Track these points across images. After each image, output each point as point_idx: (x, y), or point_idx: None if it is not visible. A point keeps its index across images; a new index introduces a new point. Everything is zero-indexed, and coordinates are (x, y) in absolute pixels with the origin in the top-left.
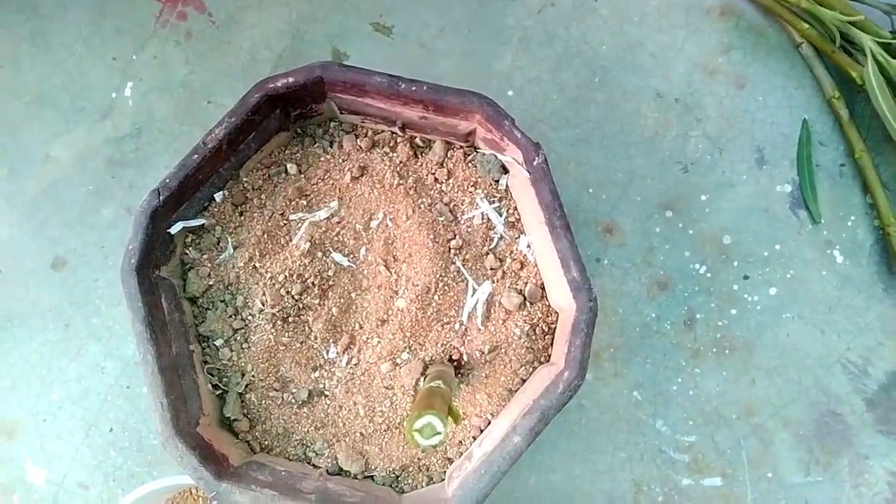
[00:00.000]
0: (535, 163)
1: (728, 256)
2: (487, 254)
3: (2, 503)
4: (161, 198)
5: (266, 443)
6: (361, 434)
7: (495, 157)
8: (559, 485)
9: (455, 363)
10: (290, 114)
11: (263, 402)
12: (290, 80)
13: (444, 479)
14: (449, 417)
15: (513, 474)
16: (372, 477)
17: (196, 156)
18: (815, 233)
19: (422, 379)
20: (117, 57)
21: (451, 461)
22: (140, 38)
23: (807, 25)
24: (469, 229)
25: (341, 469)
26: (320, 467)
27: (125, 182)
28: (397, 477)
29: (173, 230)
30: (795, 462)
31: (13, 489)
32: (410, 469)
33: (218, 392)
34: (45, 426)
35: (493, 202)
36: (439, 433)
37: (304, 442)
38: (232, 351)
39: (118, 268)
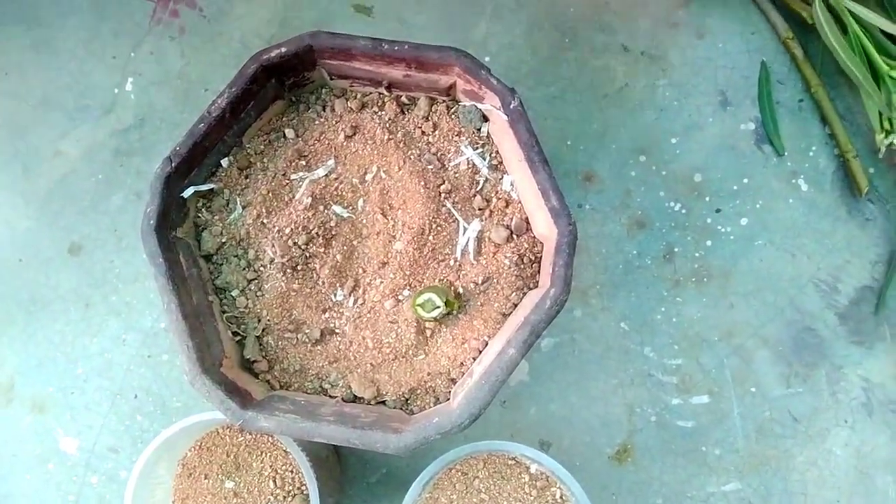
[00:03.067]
0: (511, 106)
1: (700, 192)
2: (475, 195)
3: (38, 472)
4: (173, 164)
5: (284, 380)
6: (371, 364)
7: (475, 106)
8: (558, 412)
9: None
10: (284, 83)
11: (280, 343)
12: (283, 49)
13: (449, 399)
14: (446, 303)
15: (514, 406)
16: (384, 402)
17: (202, 124)
18: (780, 165)
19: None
20: (116, 56)
21: (454, 381)
22: (136, 37)
23: None
24: (456, 174)
25: (355, 397)
26: (336, 396)
27: (132, 169)
28: (407, 400)
29: (185, 194)
30: (776, 376)
31: (48, 459)
32: (418, 391)
33: (237, 338)
34: (73, 398)
35: (477, 148)
36: (438, 307)
37: (320, 376)
38: (247, 299)
39: (132, 248)
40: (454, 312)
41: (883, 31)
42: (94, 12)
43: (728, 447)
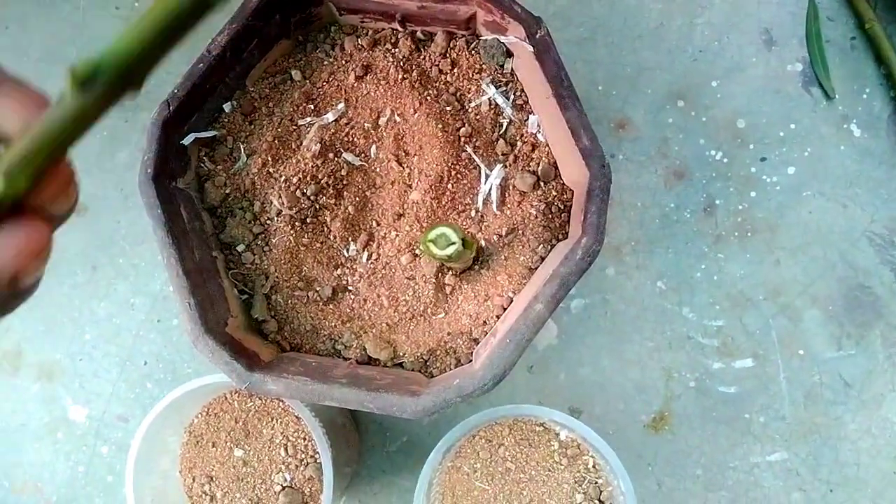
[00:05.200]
0: (537, 36)
1: (743, 140)
2: (498, 139)
3: (46, 442)
4: (171, 108)
5: (295, 341)
6: (387, 324)
7: (498, 40)
8: (589, 377)
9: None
10: (290, 20)
11: (289, 301)
12: None
13: (471, 360)
14: (464, 244)
15: (542, 370)
16: (401, 364)
17: (201, 64)
18: (830, 109)
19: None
20: (120, 6)
21: (476, 342)
22: None
23: None
24: (478, 116)
25: (370, 358)
26: (350, 358)
27: (138, 125)
28: (426, 362)
29: (186, 141)
30: (826, 337)
31: (56, 428)
32: (438, 353)
33: (244, 297)
34: (81, 365)
35: (500, 87)
36: (454, 243)
37: (332, 336)
38: (254, 255)
39: (139, 207)
40: (476, 267)
41: None
42: None
43: (773, 414)
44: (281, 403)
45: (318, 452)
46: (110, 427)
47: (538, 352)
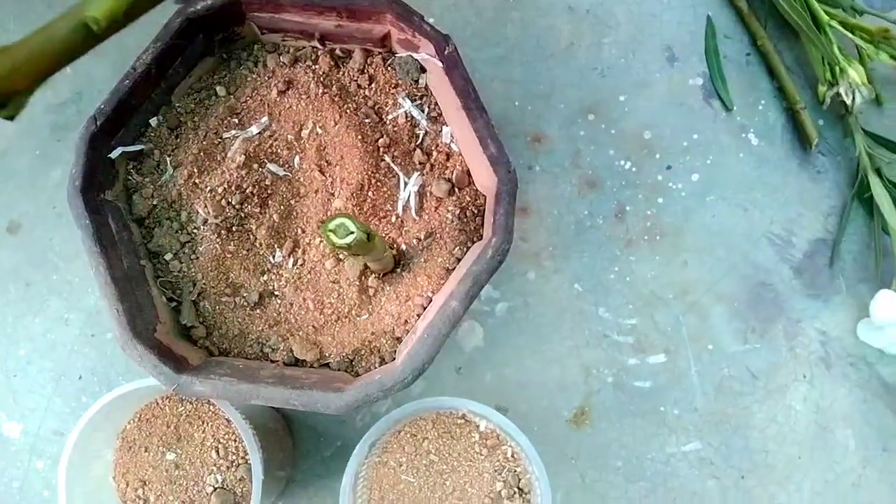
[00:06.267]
0: (446, 52)
1: (650, 150)
2: (415, 149)
3: None
4: (98, 123)
5: (224, 346)
6: (314, 326)
7: (411, 57)
8: (514, 377)
9: (395, 254)
10: (213, 38)
11: (217, 307)
12: (209, 1)
13: (394, 358)
14: (368, 237)
15: (469, 373)
16: (328, 364)
17: (127, 81)
18: (730, 119)
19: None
20: None
21: (399, 340)
22: None
23: None
24: (395, 128)
25: (298, 360)
26: (277, 361)
27: (71, 144)
28: (351, 361)
29: (113, 155)
30: (733, 333)
31: None
32: (363, 352)
33: (173, 304)
34: (15, 381)
35: (415, 100)
36: (352, 232)
37: (260, 340)
38: (181, 263)
39: (72, 225)
40: (398, 270)
41: None
42: None
43: (687, 406)
44: (212, 407)
45: (248, 454)
46: (46, 441)
47: (465, 353)
